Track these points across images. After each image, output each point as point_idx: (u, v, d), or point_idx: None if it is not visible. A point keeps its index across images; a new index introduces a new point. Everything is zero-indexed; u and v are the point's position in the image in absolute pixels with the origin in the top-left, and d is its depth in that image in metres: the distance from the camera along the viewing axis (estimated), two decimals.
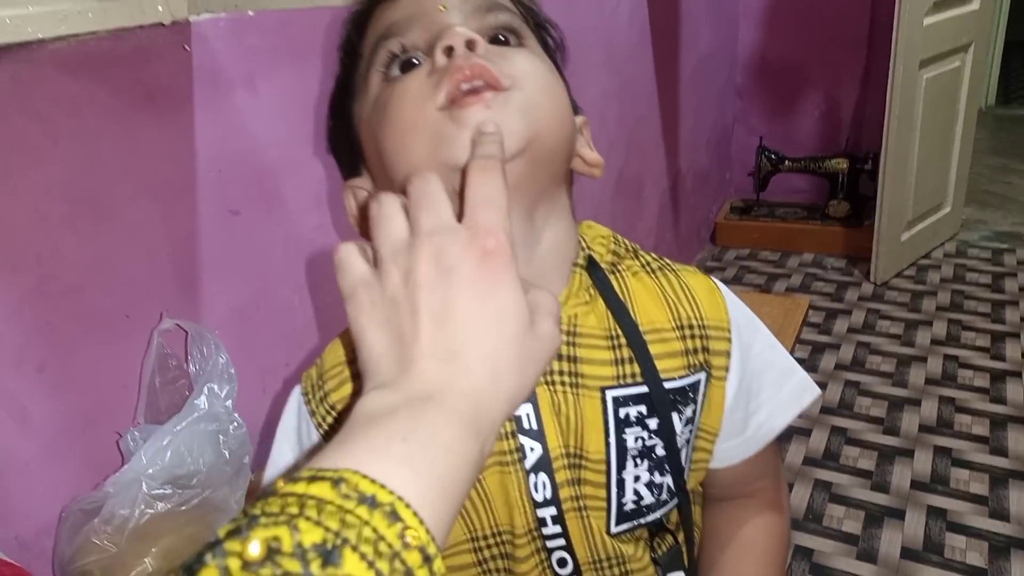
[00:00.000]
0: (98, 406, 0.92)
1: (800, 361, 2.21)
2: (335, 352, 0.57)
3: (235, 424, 0.87)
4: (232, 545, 0.26)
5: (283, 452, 0.58)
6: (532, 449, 0.51)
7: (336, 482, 0.28)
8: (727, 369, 0.56)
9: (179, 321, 0.94)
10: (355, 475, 0.28)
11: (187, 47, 0.95)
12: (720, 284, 0.58)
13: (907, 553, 1.59)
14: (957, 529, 1.63)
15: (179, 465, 0.82)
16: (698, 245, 3.05)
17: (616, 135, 2.18)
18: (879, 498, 1.74)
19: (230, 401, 0.88)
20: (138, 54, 0.90)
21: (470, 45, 0.46)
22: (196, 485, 0.82)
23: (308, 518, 0.26)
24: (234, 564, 0.25)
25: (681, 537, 0.59)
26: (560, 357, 0.52)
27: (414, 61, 0.49)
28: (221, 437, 0.85)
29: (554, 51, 0.57)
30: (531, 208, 0.49)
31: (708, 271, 2.43)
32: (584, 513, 0.53)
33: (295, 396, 0.58)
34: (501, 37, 0.50)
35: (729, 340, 0.56)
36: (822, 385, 2.15)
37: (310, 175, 1.18)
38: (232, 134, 1.05)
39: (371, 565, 0.26)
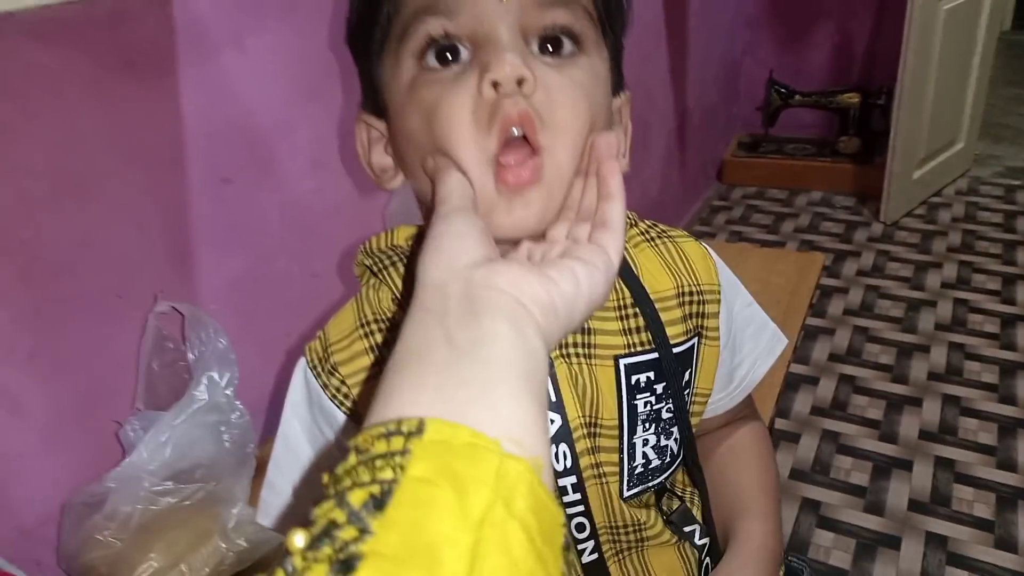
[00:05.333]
0: (94, 392, 0.89)
1: (809, 307, 2.17)
2: (339, 324, 0.56)
3: (237, 413, 0.84)
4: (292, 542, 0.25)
5: (292, 426, 0.57)
6: (552, 421, 0.53)
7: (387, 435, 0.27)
8: (718, 329, 0.59)
9: (175, 304, 0.89)
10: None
11: (168, 6, 0.87)
12: (710, 249, 0.61)
13: (914, 505, 1.59)
14: (965, 480, 1.63)
15: (180, 459, 0.79)
16: (704, 184, 2.98)
17: None
18: (887, 448, 1.74)
19: (231, 389, 0.84)
20: (115, 17, 0.83)
21: (519, 82, 0.43)
22: (199, 479, 0.80)
23: (360, 484, 0.26)
24: (297, 559, 0.24)
25: (690, 493, 0.63)
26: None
27: (456, 49, 0.45)
28: (222, 428, 0.82)
29: (619, 40, 0.52)
30: None
31: (715, 211, 2.38)
32: (603, 480, 0.55)
33: (300, 369, 0.57)
34: (553, 43, 0.46)
35: (719, 302, 0.59)
36: (830, 331, 2.13)
37: (303, 137, 1.12)
38: (220, 98, 0.99)
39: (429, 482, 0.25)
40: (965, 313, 2.17)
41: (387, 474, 0.25)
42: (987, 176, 2.91)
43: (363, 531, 0.24)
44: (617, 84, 0.52)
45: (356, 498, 0.25)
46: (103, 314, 0.89)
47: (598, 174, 0.43)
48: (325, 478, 0.28)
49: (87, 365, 0.88)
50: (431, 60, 0.45)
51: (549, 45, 0.45)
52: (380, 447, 0.26)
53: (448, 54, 0.45)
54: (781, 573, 0.67)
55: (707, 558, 0.63)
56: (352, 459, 0.27)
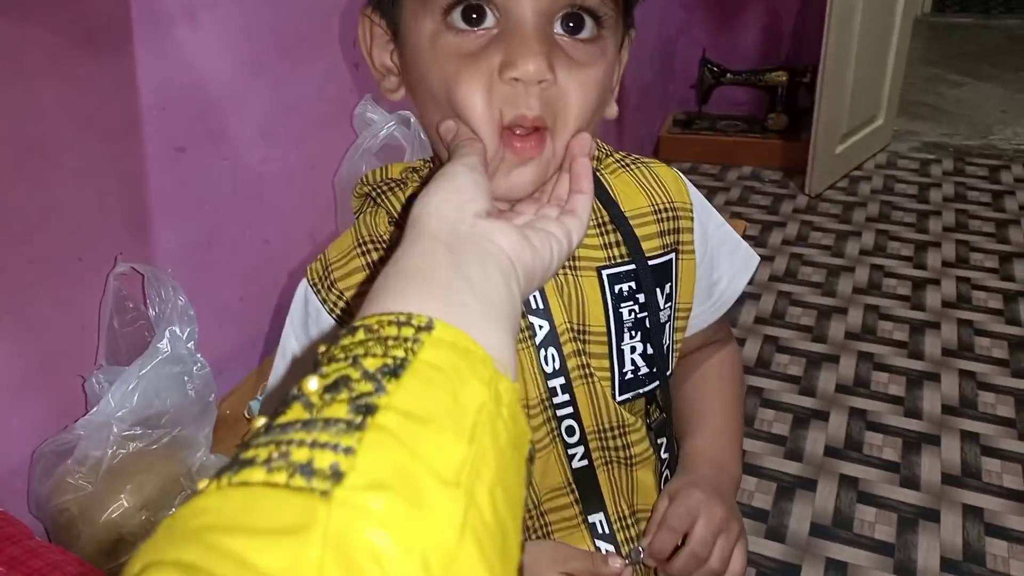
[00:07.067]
0: (59, 350, 0.94)
1: None
2: (339, 246, 0.61)
3: (198, 365, 0.90)
4: (306, 386, 0.28)
5: (291, 341, 0.62)
6: (540, 327, 0.58)
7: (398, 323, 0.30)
8: (693, 243, 0.64)
9: (135, 264, 0.95)
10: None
11: None
12: (681, 173, 0.66)
13: (829, 451, 1.73)
14: (876, 428, 1.79)
15: (147, 407, 0.85)
16: None
17: None
18: (806, 401, 1.88)
19: (192, 343, 0.90)
20: None
21: (541, 80, 0.46)
22: (165, 425, 0.86)
23: (373, 354, 0.28)
24: (314, 397, 0.27)
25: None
26: None
27: (483, 12, 0.47)
28: (185, 378, 0.88)
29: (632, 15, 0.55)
30: None
31: None
32: (590, 380, 0.59)
33: (301, 289, 0.62)
34: (575, 21, 0.48)
35: (692, 219, 0.64)
36: (757, 296, 2.27)
37: (254, 108, 1.17)
38: (174, 69, 1.03)
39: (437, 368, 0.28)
40: (880, 277, 2.33)
41: (399, 352, 0.28)
42: (905, 151, 3.09)
43: (378, 388, 0.26)
44: (625, 32, 0.55)
45: (370, 363, 0.27)
46: (65, 276, 0.94)
47: (571, 169, 0.47)
48: (322, 347, 0.30)
49: (51, 325, 0.93)
50: (457, 18, 0.47)
51: (571, 22, 0.48)
52: (391, 331, 0.29)
53: (475, 14, 0.47)
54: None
55: (667, 471, 0.69)
56: (361, 334, 0.29)
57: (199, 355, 0.91)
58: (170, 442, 0.86)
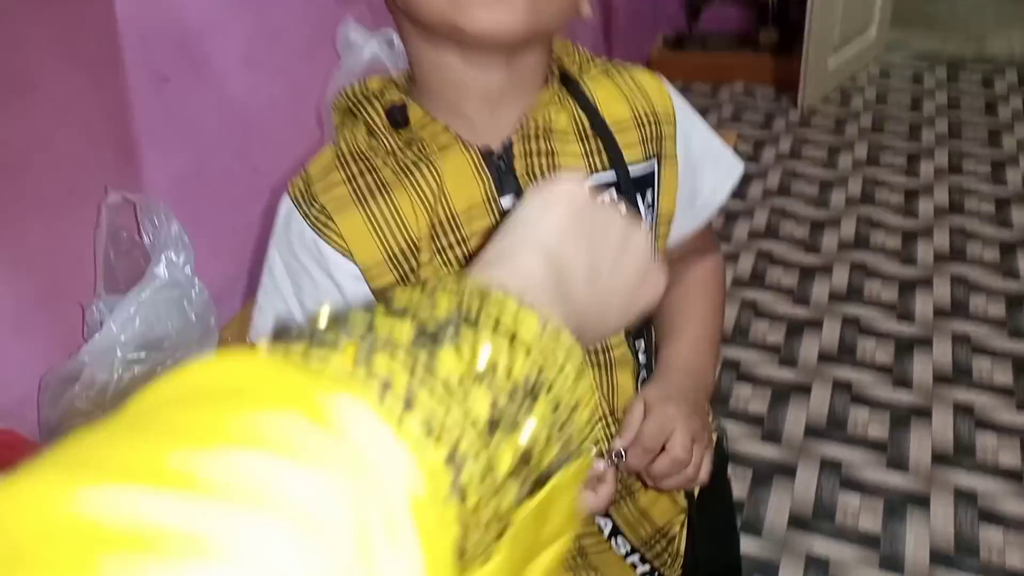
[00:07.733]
0: (57, 281, 0.95)
1: None
2: (319, 162, 0.62)
3: (197, 289, 0.91)
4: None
5: (275, 257, 0.64)
6: None
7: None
8: (675, 151, 0.64)
9: (126, 194, 0.95)
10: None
11: None
12: (665, 80, 0.66)
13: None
14: (868, 332, 1.81)
15: (149, 331, 0.87)
16: None
17: None
18: (800, 312, 1.91)
19: (188, 267, 0.92)
20: None
21: None
22: (168, 348, 0.88)
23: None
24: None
25: None
26: (540, 152, 0.58)
27: None
28: (185, 302, 0.90)
29: None
30: (520, 52, 0.56)
31: None
32: None
33: (284, 206, 0.62)
34: None
35: (674, 126, 0.64)
36: (750, 213, 2.27)
37: (235, 35, 1.16)
38: None
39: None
40: (873, 188, 2.33)
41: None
42: (898, 60, 3.05)
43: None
44: None
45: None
46: (58, 209, 0.95)
47: None
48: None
49: (47, 258, 0.94)
50: None
51: None
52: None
53: None
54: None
55: (644, 373, 0.70)
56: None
57: (196, 279, 0.93)
58: (174, 364, 0.88)
